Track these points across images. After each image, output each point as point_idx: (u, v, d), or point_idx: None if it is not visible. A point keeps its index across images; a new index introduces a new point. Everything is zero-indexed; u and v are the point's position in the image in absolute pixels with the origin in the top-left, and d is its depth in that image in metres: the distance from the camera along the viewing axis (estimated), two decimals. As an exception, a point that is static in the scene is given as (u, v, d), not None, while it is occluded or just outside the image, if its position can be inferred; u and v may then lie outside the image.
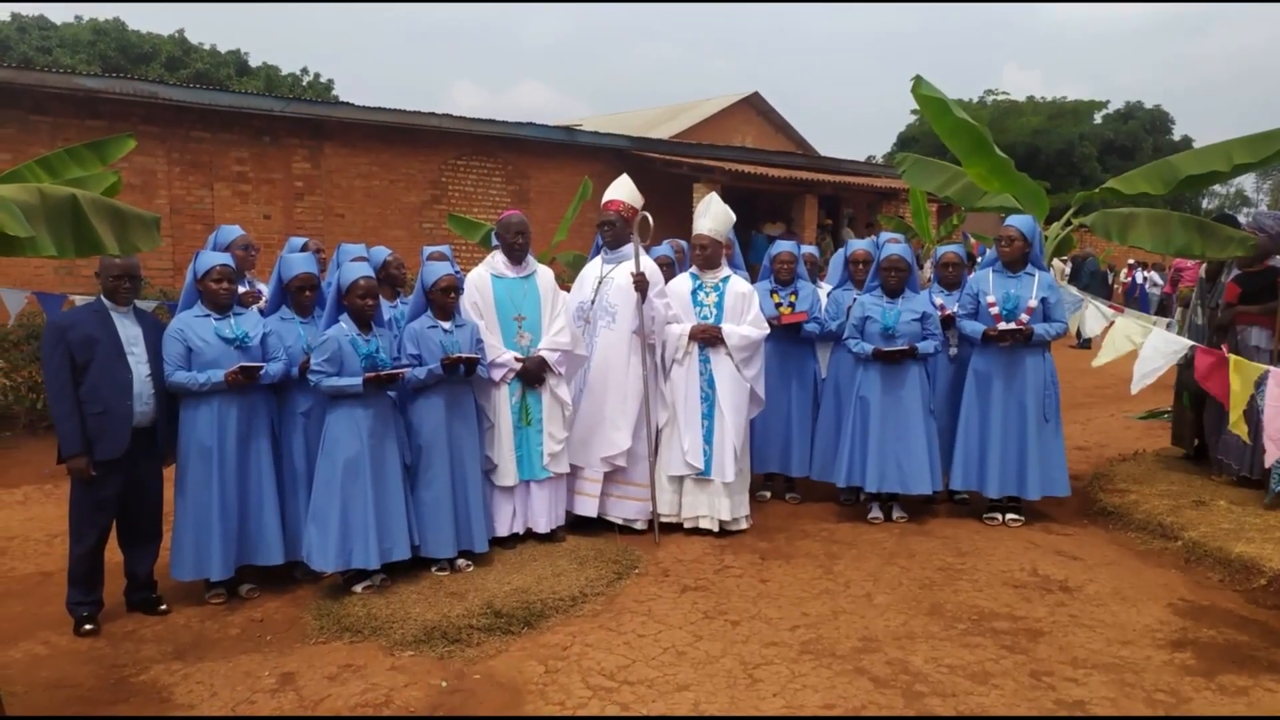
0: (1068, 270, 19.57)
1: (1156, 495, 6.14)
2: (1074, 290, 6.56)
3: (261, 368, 4.55)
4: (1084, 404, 10.75)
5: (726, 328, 5.69)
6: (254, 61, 33.32)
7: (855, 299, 6.12)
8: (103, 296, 4.46)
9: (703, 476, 5.67)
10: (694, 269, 5.96)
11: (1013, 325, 5.71)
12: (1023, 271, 5.91)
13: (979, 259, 9.64)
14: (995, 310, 5.83)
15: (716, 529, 5.67)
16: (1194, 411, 6.87)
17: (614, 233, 5.76)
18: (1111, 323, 6.07)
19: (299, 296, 4.89)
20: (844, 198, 19.35)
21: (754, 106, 27.11)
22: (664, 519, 5.69)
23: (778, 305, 6.28)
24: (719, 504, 5.66)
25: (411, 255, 6.65)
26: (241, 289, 5.15)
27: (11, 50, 27.20)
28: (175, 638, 4.26)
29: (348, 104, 13.79)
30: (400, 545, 4.69)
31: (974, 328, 5.85)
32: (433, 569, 4.89)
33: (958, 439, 5.97)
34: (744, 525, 5.79)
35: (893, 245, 5.99)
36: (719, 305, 5.77)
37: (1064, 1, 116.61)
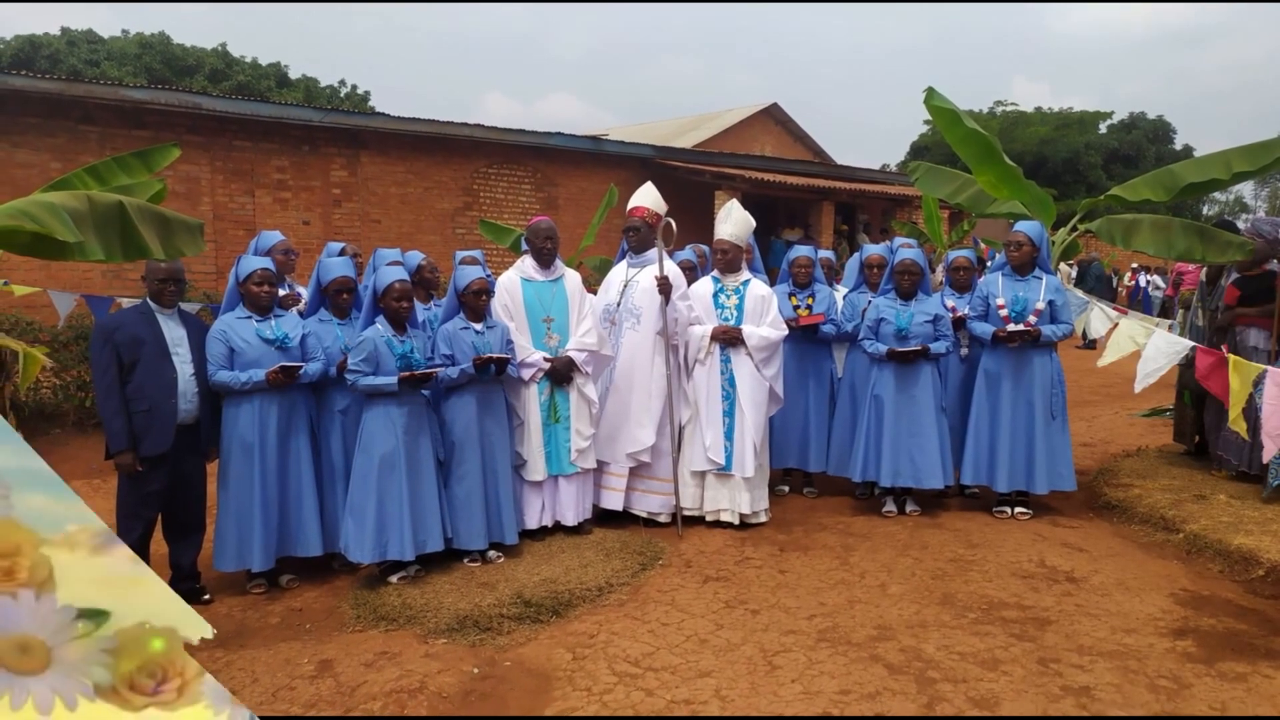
0: (1074, 274, 19.48)
1: (1159, 490, 6.17)
2: (1080, 293, 6.61)
3: (301, 367, 4.65)
4: (1089, 402, 10.73)
5: (747, 329, 5.78)
6: (294, 74, 33.44)
7: (870, 301, 6.20)
8: (149, 299, 4.56)
9: (724, 471, 5.76)
10: (715, 273, 6.04)
11: (1021, 327, 5.80)
12: (1031, 275, 5.99)
13: (989, 263, 9.74)
14: (1004, 312, 5.91)
15: (737, 522, 5.76)
16: (1195, 409, 6.93)
17: (639, 238, 5.86)
18: (1115, 324, 6.11)
19: (337, 299, 5.00)
20: (859, 204, 19.42)
21: (773, 117, 27.06)
22: (686, 512, 5.79)
23: (796, 307, 6.38)
24: (739, 498, 5.75)
25: (444, 259, 6.73)
26: (282, 292, 5.26)
27: (61, 63, 27.25)
28: (218, 626, 4.17)
29: (384, 114, 13.84)
30: (434, 537, 4.77)
31: (984, 329, 5.94)
32: (465, 560, 4.97)
33: (968, 436, 6.05)
34: (763, 518, 5.89)
35: (906, 250, 6.07)
36: (739, 307, 5.86)
37: (1074, 1, 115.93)
